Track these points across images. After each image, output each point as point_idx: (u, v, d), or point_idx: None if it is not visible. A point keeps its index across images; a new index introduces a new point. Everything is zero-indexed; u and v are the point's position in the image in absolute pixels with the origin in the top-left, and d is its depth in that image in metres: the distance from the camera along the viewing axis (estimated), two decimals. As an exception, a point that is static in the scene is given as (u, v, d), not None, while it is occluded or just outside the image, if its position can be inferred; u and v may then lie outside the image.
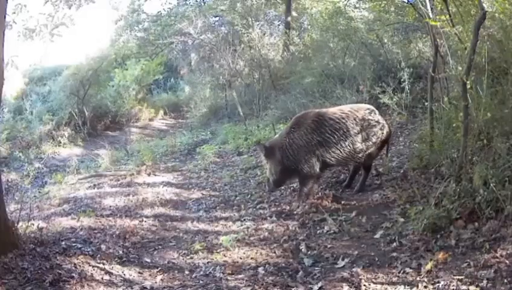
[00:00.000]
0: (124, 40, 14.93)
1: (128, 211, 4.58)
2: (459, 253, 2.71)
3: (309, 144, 4.18)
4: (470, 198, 3.01)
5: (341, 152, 4.21)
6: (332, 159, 4.23)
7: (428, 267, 2.57)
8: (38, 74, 13.45)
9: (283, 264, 3.08)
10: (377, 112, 4.48)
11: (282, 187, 4.79)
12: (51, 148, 9.88)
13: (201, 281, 2.98)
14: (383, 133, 4.37)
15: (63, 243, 3.45)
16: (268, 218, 4.05)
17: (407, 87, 6.90)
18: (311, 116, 4.32)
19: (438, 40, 4.22)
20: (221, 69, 11.13)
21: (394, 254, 2.94)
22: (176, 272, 3.19)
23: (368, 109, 4.44)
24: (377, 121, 4.34)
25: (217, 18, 13.29)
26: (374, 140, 4.30)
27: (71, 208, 4.65)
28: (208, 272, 3.10)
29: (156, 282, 3.03)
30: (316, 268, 2.96)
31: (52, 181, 6.53)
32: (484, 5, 3.19)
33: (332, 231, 3.55)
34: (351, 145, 4.20)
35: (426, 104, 4.68)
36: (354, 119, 4.24)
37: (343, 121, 4.21)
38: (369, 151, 4.32)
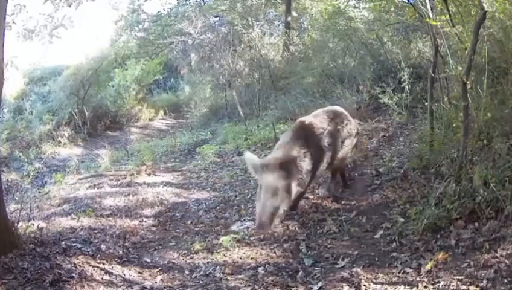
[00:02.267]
0: (124, 40, 14.94)
1: (128, 211, 4.58)
2: (459, 253, 2.71)
3: (316, 154, 3.79)
4: (470, 198, 3.01)
5: (329, 159, 3.98)
6: (323, 167, 3.97)
7: (428, 267, 2.57)
8: (38, 74, 13.45)
9: (283, 264, 3.07)
10: (347, 113, 4.42)
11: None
12: (51, 148, 9.89)
13: (201, 281, 2.98)
14: (356, 134, 4.40)
15: (63, 243, 3.45)
16: (268, 218, 4.05)
17: (407, 87, 6.91)
18: (309, 125, 3.97)
19: (438, 40, 4.21)
20: (221, 69, 11.13)
21: (394, 254, 2.94)
22: (176, 272, 3.19)
23: (342, 112, 4.35)
24: (351, 123, 4.33)
25: (217, 18, 13.29)
26: (350, 142, 4.28)
27: (71, 208, 4.65)
28: (208, 272, 3.10)
29: (156, 282, 3.03)
30: (316, 268, 2.96)
31: (52, 181, 6.53)
32: (484, 5, 3.20)
33: (332, 231, 3.55)
34: (336, 150, 4.04)
35: (426, 104, 4.68)
36: (335, 125, 4.09)
37: (327, 128, 4.01)
38: (347, 154, 4.29)
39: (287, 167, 3.43)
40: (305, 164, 3.64)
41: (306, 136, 3.82)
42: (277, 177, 3.39)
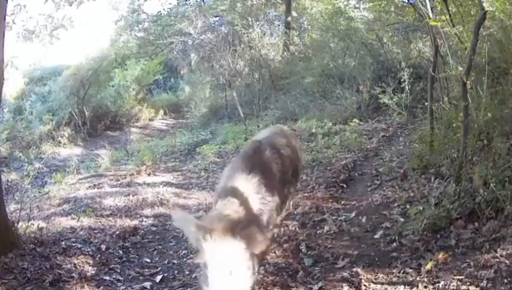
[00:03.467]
0: (124, 40, 14.95)
1: (128, 211, 4.58)
2: (459, 253, 2.71)
3: (282, 195, 2.86)
4: (470, 198, 3.01)
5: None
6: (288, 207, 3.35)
7: (428, 267, 2.57)
8: (38, 74, 13.45)
9: (283, 264, 3.07)
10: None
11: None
12: (51, 148, 9.88)
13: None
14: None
15: (63, 243, 3.45)
16: (268, 218, 4.04)
17: (407, 87, 6.92)
18: (269, 153, 2.88)
19: (438, 40, 4.22)
20: (221, 69, 11.15)
21: (394, 254, 2.94)
22: (176, 272, 3.19)
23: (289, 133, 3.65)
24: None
25: (217, 18, 13.30)
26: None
27: (71, 208, 4.64)
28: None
29: (156, 282, 3.04)
30: (316, 268, 2.96)
31: (52, 181, 6.53)
32: (484, 5, 3.20)
33: (332, 231, 3.55)
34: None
35: (426, 104, 4.68)
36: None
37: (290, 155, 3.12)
38: None
39: (245, 230, 2.05)
40: (270, 215, 2.49)
41: (265, 170, 2.62)
42: (232, 249, 2.01)
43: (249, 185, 2.43)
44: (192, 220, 2.10)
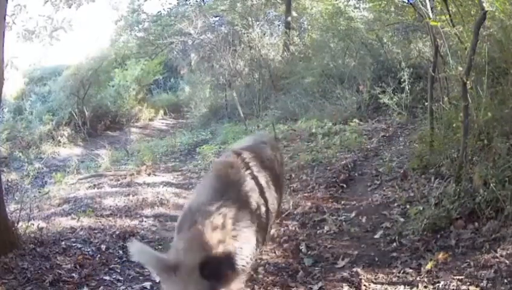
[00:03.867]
0: (124, 40, 14.97)
1: (128, 211, 4.57)
2: (459, 253, 2.71)
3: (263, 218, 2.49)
4: (470, 198, 3.01)
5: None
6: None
7: (428, 267, 2.57)
8: (38, 74, 13.45)
9: (283, 264, 3.07)
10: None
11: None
12: (51, 148, 9.89)
13: (201, 281, 2.97)
14: None
15: (63, 243, 3.44)
16: (268, 218, 4.03)
17: (407, 87, 6.93)
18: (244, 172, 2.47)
19: (438, 40, 4.22)
20: (221, 69, 11.16)
21: (394, 254, 2.94)
22: (176, 272, 3.18)
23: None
24: None
25: (217, 18, 13.32)
26: None
27: (71, 208, 4.64)
28: (207, 272, 3.10)
29: (156, 282, 3.03)
30: (316, 268, 2.96)
31: (52, 181, 6.53)
32: (484, 5, 3.20)
33: (332, 231, 3.55)
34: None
35: (426, 104, 4.69)
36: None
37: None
38: None
39: (215, 268, 1.75)
40: (248, 247, 2.09)
41: (242, 191, 2.26)
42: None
43: (222, 208, 2.02)
44: (152, 254, 1.79)
